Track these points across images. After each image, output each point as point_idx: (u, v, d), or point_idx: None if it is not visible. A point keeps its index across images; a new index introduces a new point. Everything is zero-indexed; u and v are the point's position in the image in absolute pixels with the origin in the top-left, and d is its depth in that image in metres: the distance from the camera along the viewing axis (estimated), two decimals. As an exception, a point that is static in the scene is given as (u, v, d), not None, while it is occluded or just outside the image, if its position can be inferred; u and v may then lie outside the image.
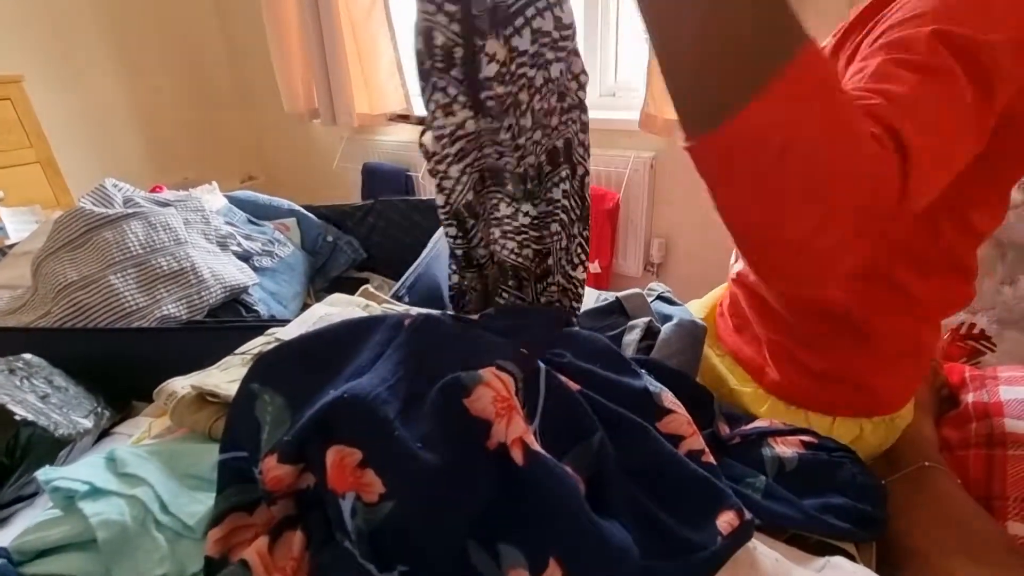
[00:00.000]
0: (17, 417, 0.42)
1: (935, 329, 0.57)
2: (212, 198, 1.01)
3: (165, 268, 0.75)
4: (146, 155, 2.44)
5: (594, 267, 1.71)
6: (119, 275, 0.72)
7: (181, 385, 0.45)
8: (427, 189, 2.11)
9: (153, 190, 1.19)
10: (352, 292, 0.67)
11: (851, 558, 0.45)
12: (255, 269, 0.91)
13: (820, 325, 0.55)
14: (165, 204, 0.85)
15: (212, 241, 0.85)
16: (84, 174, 2.11)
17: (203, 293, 0.76)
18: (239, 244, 0.90)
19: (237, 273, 0.82)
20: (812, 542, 0.45)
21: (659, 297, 0.71)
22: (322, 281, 1.09)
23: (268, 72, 2.26)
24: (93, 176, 2.16)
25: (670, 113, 1.48)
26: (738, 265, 0.67)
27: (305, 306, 0.96)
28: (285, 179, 2.77)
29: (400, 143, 2.12)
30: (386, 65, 1.97)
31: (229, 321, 0.73)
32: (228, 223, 0.93)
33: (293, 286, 1.00)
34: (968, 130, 0.34)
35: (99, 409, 0.55)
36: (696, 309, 0.75)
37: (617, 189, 1.63)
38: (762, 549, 0.41)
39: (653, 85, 1.46)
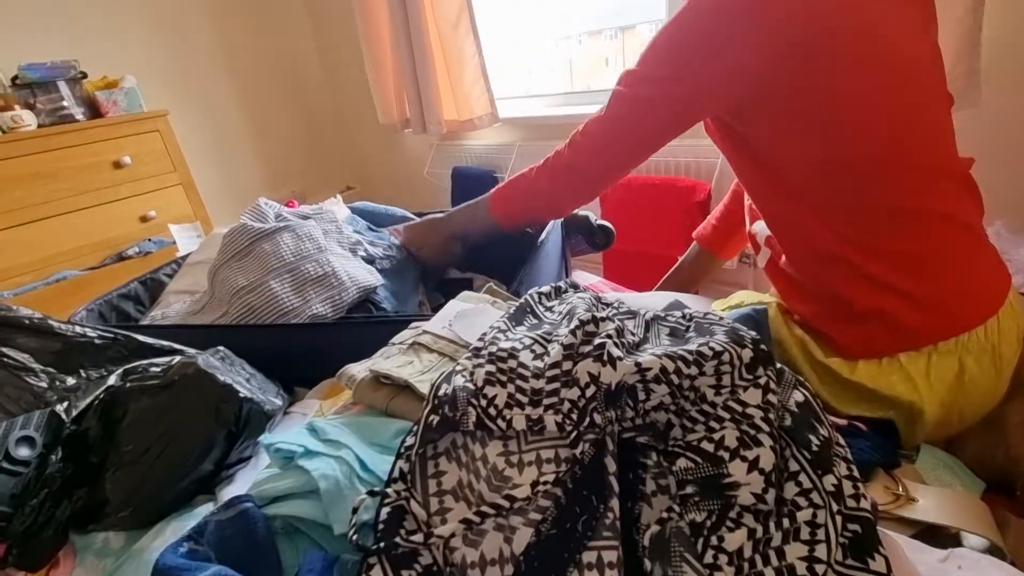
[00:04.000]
0: (241, 394, 0.52)
1: (961, 227, 0.58)
2: (338, 209, 1.14)
3: (312, 273, 0.86)
4: (262, 173, 2.72)
5: (684, 259, 1.70)
6: (277, 280, 0.84)
7: (358, 370, 0.53)
8: (513, 189, 2.18)
9: (287, 205, 1.36)
10: (456, 292, 0.73)
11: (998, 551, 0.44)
12: (380, 271, 1.01)
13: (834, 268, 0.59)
14: (306, 217, 0.97)
15: (345, 248, 0.96)
16: (215, 192, 2.41)
17: (342, 294, 0.86)
18: (365, 250, 1.00)
19: (367, 275, 0.91)
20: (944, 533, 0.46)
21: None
22: (432, 281, 1.18)
23: (363, 90, 2.44)
24: (222, 193, 2.47)
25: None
26: (762, 257, 0.72)
27: (420, 304, 1.06)
28: (380, 187, 2.97)
29: (486, 146, 2.22)
30: (471, 72, 2.06)
31: (375, 317, 0.82)
32: (355, 231, 1.04)
33: (408, 284, 1.10)
34: None
35: (280, 392, 0.66)
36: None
37: (708, 179, 1.61)
38: (892, 535, 0.43)
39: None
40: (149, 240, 1.84)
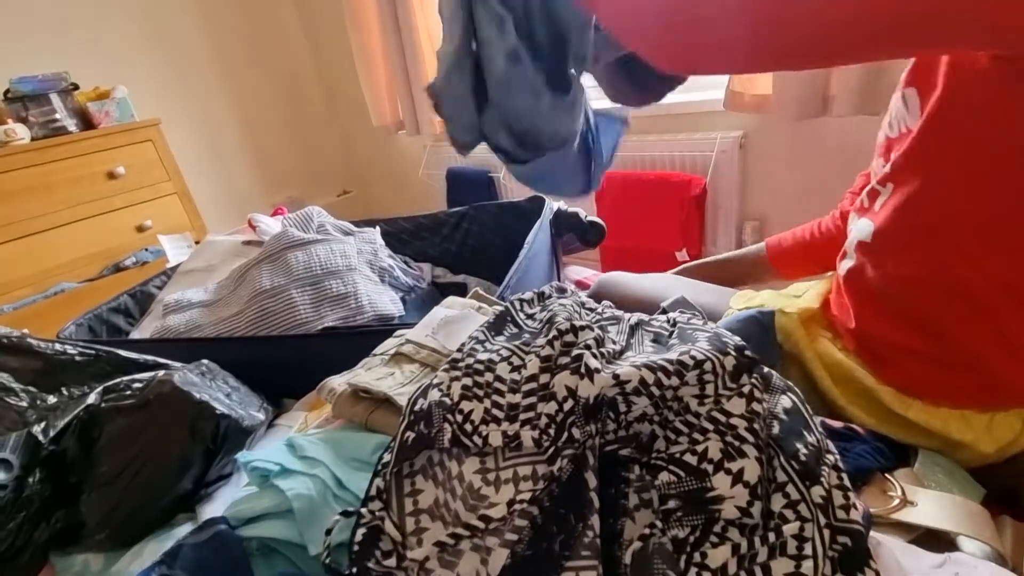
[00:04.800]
0: (218, 411, 0.51)
1: None
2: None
3: (334, 290, 0.85)
4: (257, 179, 2.71)
5: (682, 255, 1.68)
6: (299, 291, 0.84)
7: (338, 383, 0.52)
8: (509, 189, 2.16)
9: (274, 213, 1.34)
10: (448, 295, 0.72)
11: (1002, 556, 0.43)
12: (403, 301, 0.98)
13: (947, 305, 0.49)
14: (348, 233, 0.98)
15: (375, 271, 0.95)
16: (212, 200, 2.40)
17: (358, 316, 0.84)
18: (396, 278, 0.99)
19: (389, 304, 0.90)
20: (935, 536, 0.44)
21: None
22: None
23: (357, 94, 2.43)
24: (219, 201, 2.47)
25: (758, 88, 1.42)
26: (845, 264, 0.59)
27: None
28: (376, 190, 2.96)
29: (481, 146, 2.20)
30: (464, 72, 2.04)
31: (362, 327, 0.81)
32: (391, 256, 1.03)
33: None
34: None
35: (264, 405, 0.65)
36: (798, 290, 0.71)
37: (703, 174, 1.59)
38: (885, 542, 0.41)
39: (738, 62, 1.41)
40: (146, 250, 1.84)
